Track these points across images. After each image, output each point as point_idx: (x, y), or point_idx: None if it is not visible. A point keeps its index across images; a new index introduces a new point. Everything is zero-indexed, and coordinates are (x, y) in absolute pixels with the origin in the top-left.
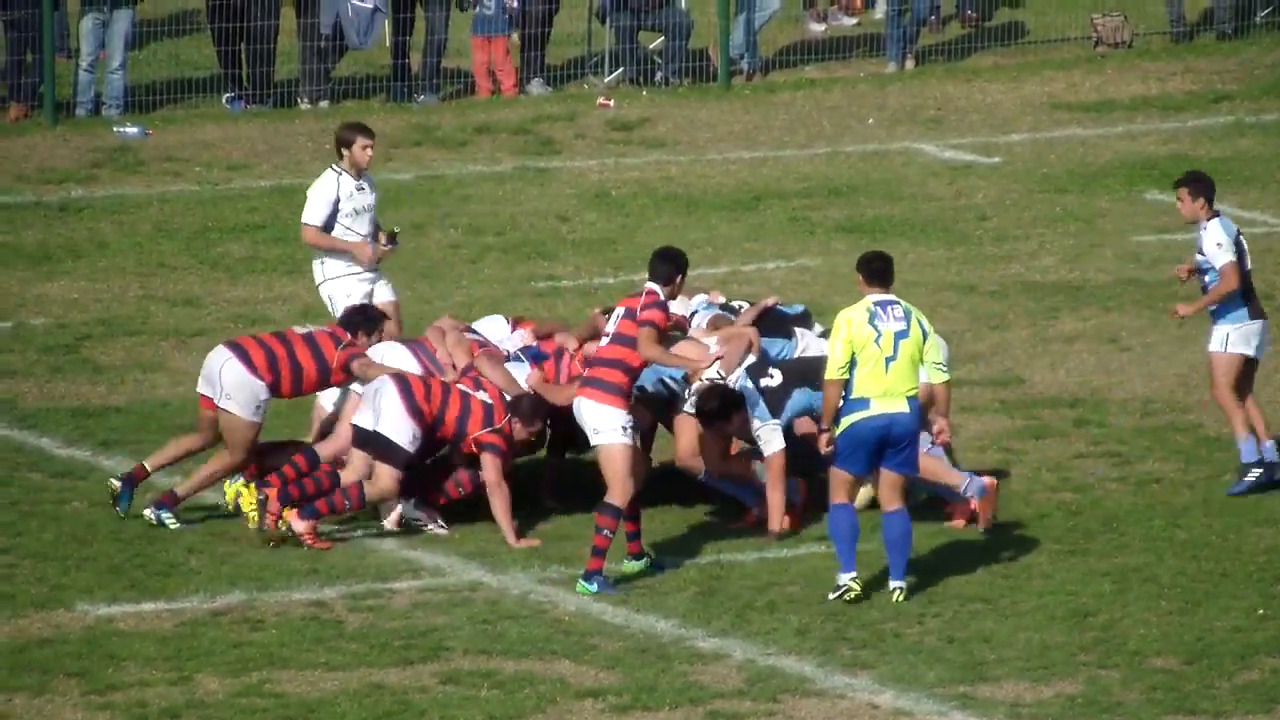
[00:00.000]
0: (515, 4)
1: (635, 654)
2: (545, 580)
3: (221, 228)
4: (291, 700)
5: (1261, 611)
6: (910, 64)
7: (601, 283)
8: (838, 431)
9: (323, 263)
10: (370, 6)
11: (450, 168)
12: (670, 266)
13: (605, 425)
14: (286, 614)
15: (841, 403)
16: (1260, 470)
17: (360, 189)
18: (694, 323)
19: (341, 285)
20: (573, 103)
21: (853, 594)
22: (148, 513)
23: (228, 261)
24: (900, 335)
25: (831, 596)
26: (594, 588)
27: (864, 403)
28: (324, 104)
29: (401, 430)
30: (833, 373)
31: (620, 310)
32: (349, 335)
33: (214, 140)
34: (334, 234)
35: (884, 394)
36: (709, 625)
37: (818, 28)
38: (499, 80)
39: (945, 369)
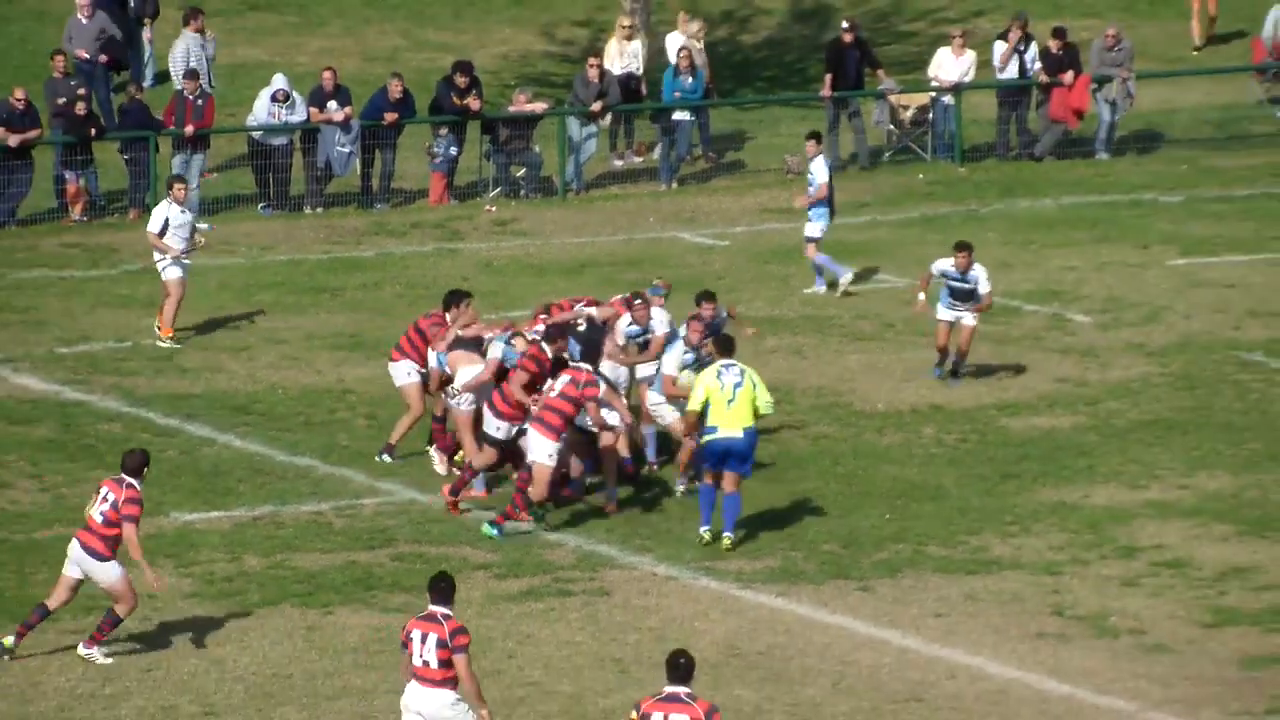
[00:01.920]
0: (454, 152)
1: (509, 543)
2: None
3: (259, 284)
4: (301, 571)
5: (888, 515)
6: (675, 184)
7: (489, 316)
8: (701, 443)
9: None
10: (348, 151)
11: (396, 248)
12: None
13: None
14: (298, 519)
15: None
16: None
17: (182, 213)
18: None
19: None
20: (471, 209)
21: (705, 540)
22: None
23: (263, 304)
24: (737, 386)
25: (698, 539)
26: (495, 532)
27: (714, 429)
28: (319, 209)
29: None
30: (694, 406)
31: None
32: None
33: (252, 231)
34: (165, 239)
35: (725, 424)
36: (553, 526)
37: (618, 163)
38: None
39: (770, 405)
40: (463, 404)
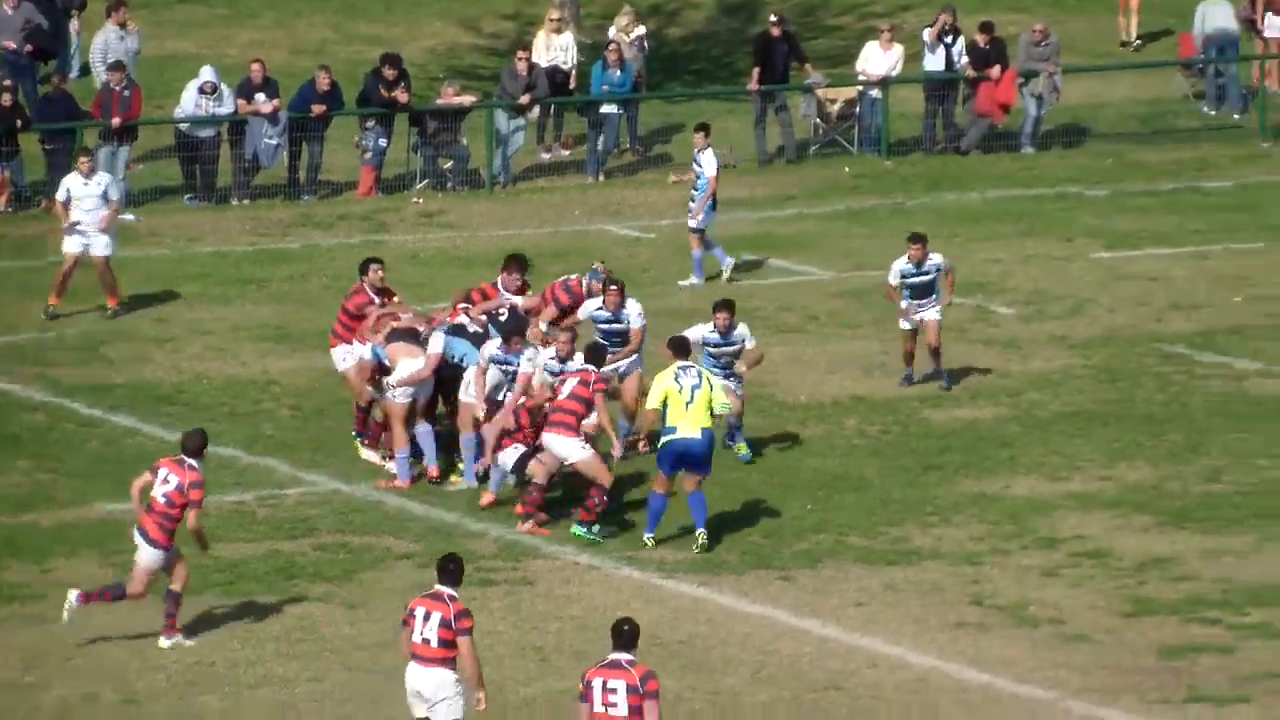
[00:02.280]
0: (382, 145)
1: (432, 533)
2: (377, 489)
3: (185, 275)
4: (224, 560)
5: (810, 506)
6: (602, 177)
7: (415, 308)
8: (656, 447)
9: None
10: (276, 143)
11: (324, 240)
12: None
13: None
14: (221, 508)
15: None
16: None
17: (85, 185)
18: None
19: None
20: (398, 201)
21: (650, 545)
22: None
23: (188, 295)
24: (695, 388)
25: (645, 542)
26: (583, 531)
27: (673, 430)
28: (246, 201)
29: None
30: (653, 404)
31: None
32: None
33: (179, 223)
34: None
35: (684, 426)
36: (476, 515)
37: (545, 155)
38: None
39: (725, 405)
40: (398, 396)
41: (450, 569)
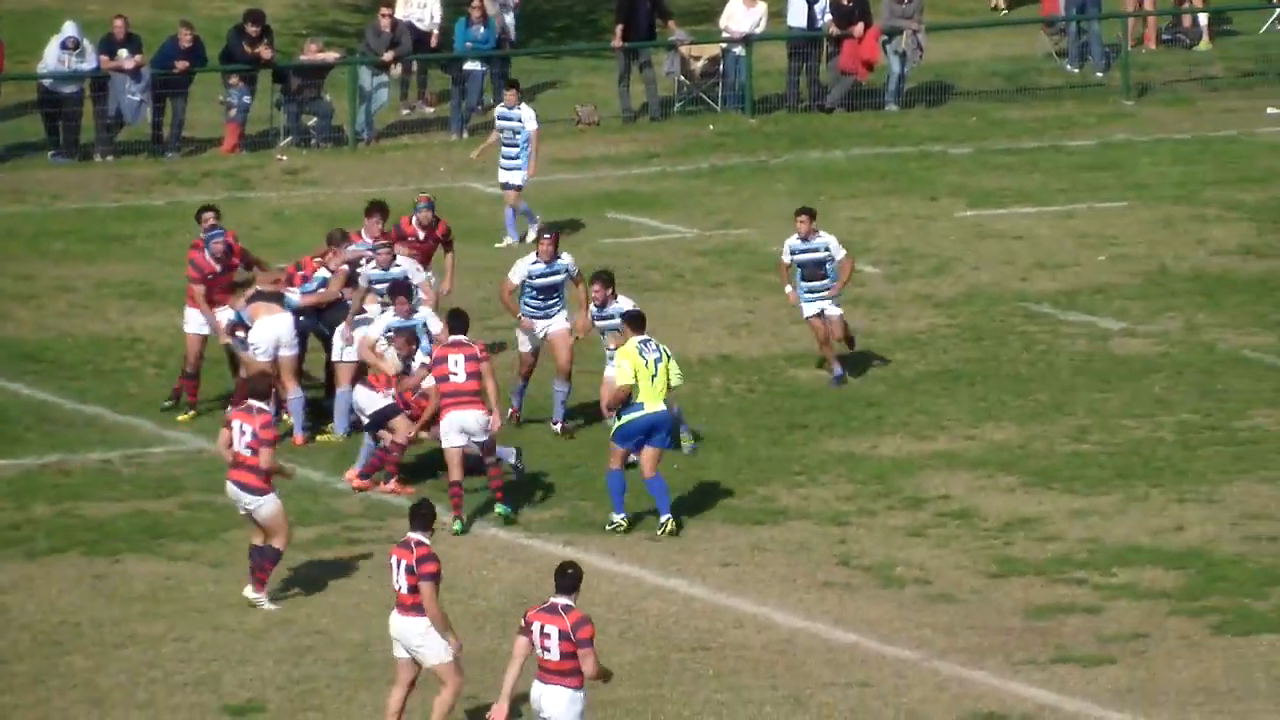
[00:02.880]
0: (246, 101)
1: (298, 491)
2: None
3: (48, 232)
4: (89, 519)
5: (675, 465)
6: (466, 134)
7: (279, 266)
8: (619, 423)
9: None
10: (139, 99)
11: (188, 198)
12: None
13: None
14: (86, 467)
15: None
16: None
17: None
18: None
19: None
20: (262, 158)
21: (621, 529)
22: None
23: (51, 253)
24: (658, 361)
25: (608, 528)
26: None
27: (640, 405)
28: (110, 158)
29: None
30: (624, 380)
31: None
32: None
33: (43, 179)
34: None
35: (650, 400)
36: (342, 475)
37: (406, 111)
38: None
39: (680, 377)
40: (258, 354)
41: (421, 513)
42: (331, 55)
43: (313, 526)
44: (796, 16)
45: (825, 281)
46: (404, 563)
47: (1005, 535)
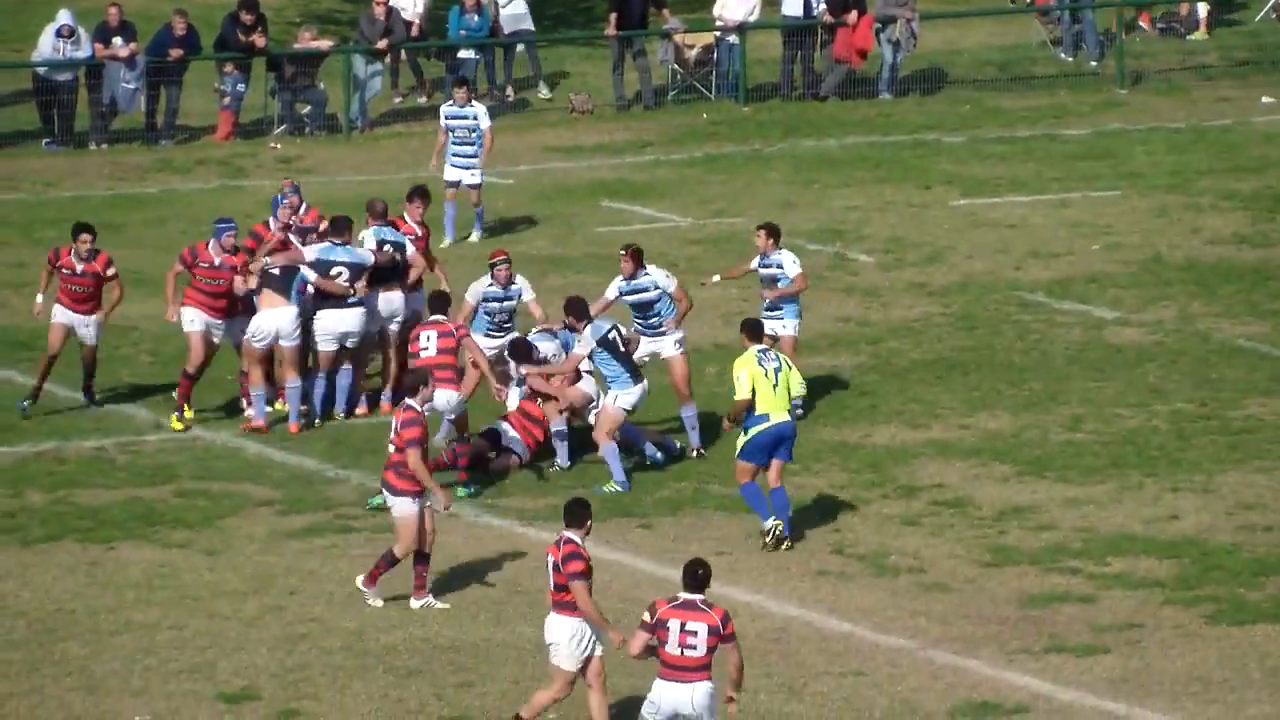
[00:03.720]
0: (240, 89)
1: (293, 479)
2: (238, 435)
3: (42, 220)
4: (84, 506)
5: None
6: None
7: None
8: (745, 438)
9: None
10: (134, 87)
11: (182, 185)
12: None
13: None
14: (80, 455)
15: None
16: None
17: None
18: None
19: None
20: (256, 146)
21: (778, 531)
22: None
23: (45, 241)
24: (778, 370)
25: (765, 535)
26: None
27: (765, 417)
28: (104, 145)
29: None
30: (743, 395)
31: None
32: None
33: (37, 167)
34: None
35: (775, 410)
36: (335, 462)
37: (399, 100)
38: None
39: (803, 386)
40: (255, 342)
41: (569, 507)
42: (326, 43)
43: (306, 514)
44: (791, 5)
45: (784, 307)
46: (550, 559)
47: (999, 524)
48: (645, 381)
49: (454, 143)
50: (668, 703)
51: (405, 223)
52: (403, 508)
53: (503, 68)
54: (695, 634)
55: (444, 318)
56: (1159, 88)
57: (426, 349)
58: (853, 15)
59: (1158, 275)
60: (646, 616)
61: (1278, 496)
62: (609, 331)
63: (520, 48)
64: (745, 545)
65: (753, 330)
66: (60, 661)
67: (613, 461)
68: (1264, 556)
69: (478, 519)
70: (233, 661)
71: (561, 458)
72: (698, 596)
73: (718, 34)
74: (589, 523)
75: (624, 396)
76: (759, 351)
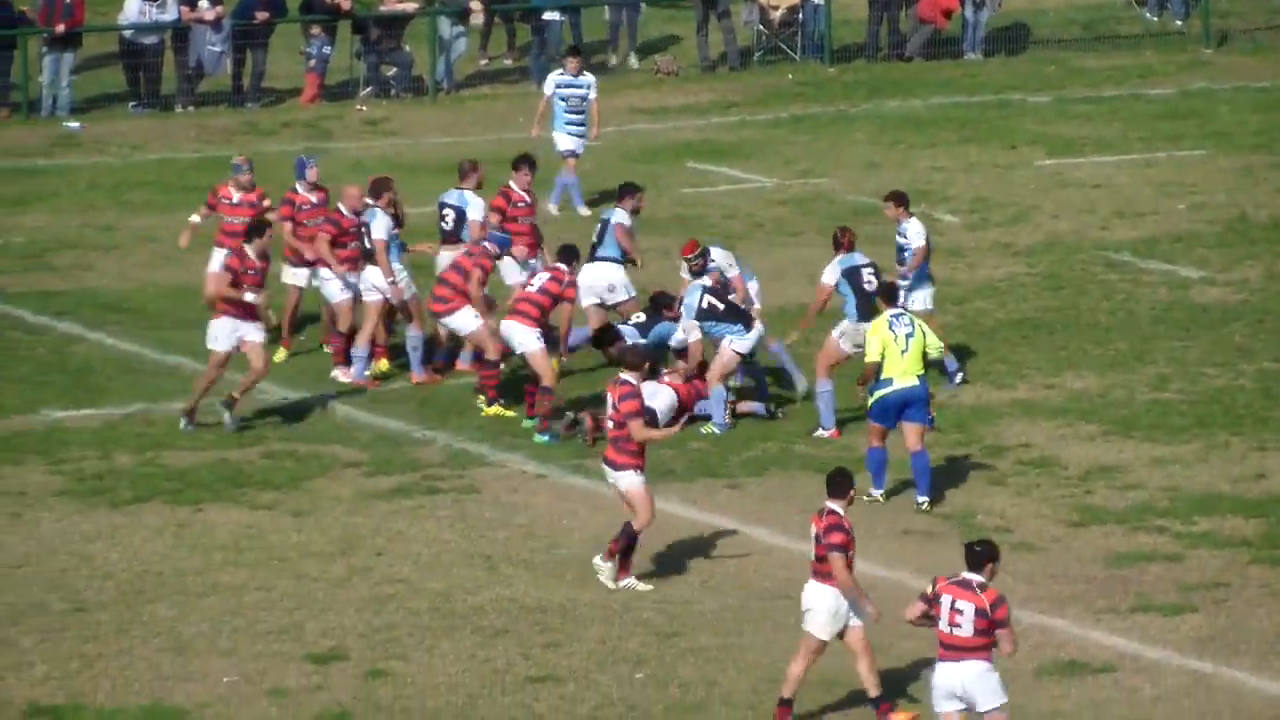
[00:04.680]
0: (326, 52)
1: (379, 440)
2: (326, 397)
3: (130, 183)
4: (172, 468)
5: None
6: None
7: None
8: (871, 400)
9: None
10: (220, 50)
11: (267, 148)
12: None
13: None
14: (169, 417)
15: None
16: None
17: None
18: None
19: None
20: (341, 108)
21: (881, 500)
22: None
23: (133, 203)
24: (909, 336)
25: (868, 500)
26: (546, 439)
27: (889, 381)
28: (190, 108)
29: None
30: (873, 357)
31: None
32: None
33: (124, 130)
34: None
35: (901, 374)
36: (422, 423)
37: (483, 62)
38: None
39: (939, 349)
40: (372, 294)
41: (830, 477)
42: (411, 5)
43: (393, 475)
44: None
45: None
46: (812, 528)
47: (1085, 484)
48: (759, 325)
49: (567, 111)
50: (941, 682)
51: (513, 190)
52: (630, 481)
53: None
54: (962, 613)
55: (564, 267)
56: (1244, 47)
57: (530, 285)
58: None
59: (1243, 235)
60: (928, 588)
61: None
62: (701, 300)
63: (607, 12)
64: None
65: (888, 294)
66: (149, 622)
67: (716, 405)
68: None
69: (564, 478)
70: (320, 622)
71: (719, 417)
72: (975, 576)
73: None
74: (851, 493)
75: (739, 342)
76: (891, 316)
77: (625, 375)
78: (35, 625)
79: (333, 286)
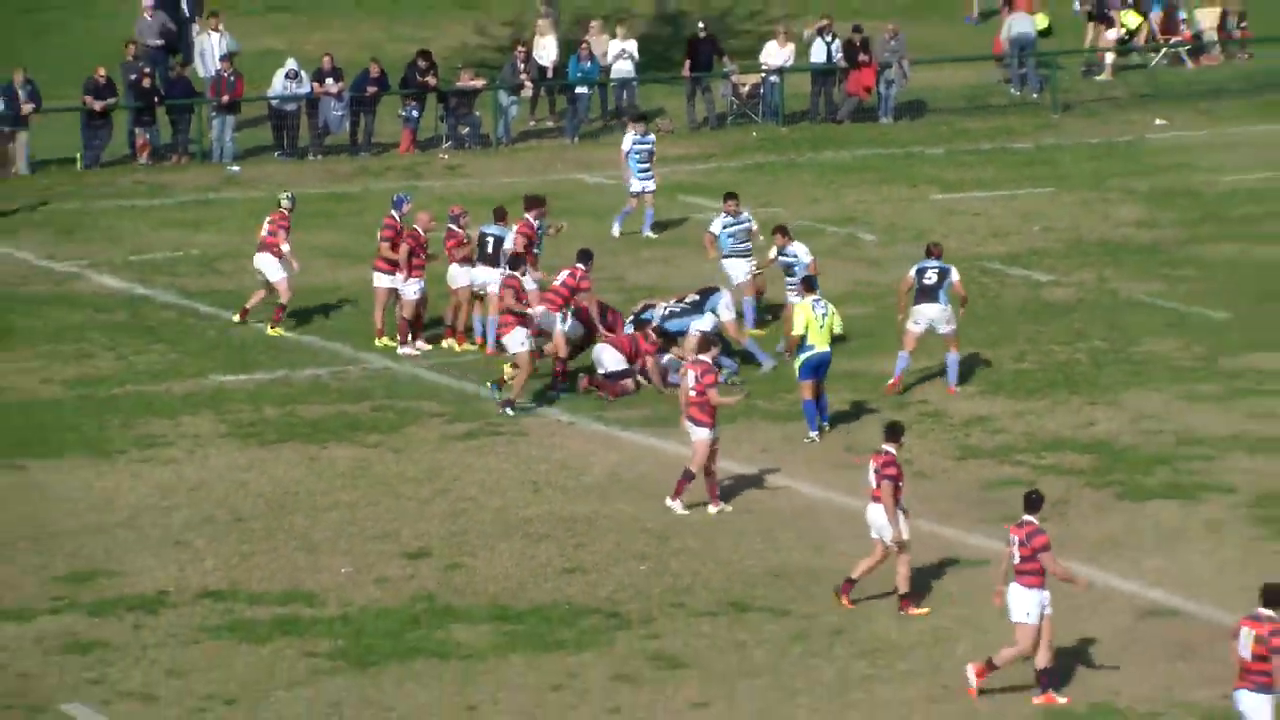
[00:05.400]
0: (416, 115)
1: (456, 398)
2: (419, 367)
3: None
4: (305, 418)
5: (732, 380)
6: (577, 140)
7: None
8: (797, 363)
9: None
10: (341, 114)
11: (375, 185)
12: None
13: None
14: (303, 380)
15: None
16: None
17: None
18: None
19: None
20: (429, 157)
21: (817, 440)
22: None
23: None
24: (825, 315)
25: (805, 441)
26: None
27: (811, 347)
28: (320, 157)
29: None
30: (798, 330)
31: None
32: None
33: (270, 173)
34: None
35: (820, 343)
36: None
37: (532, 123)
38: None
39: (841, 326)
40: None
41: (888, 426)
42: (479, 82)
43: (465, 423)
44: (817, 53)
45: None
46: (873, 465)
47: (965, 429)
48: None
49: (638, 162)
50: (1008, 598)
51: (525, 223)
52: (700, 434)
53: (613, 99)
54: (1012, 544)
55: (581, 266)
56: (1081, 113)
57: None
58: (862, 60)
59: (1080, 250)
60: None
61: (1166, 408)
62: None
63: (617, 86)
64: (783, 446)
65: (810, 285)
66: (288, 529)
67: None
68: (1156, 452)
69: (588, 425)
70: (412, 529)
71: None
72: (1029, 517)
73: (764, 74)
74: (902, 438)
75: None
76: (813, 300)
77: (700, 356)
78: (205, 531)
79: (411, 288)
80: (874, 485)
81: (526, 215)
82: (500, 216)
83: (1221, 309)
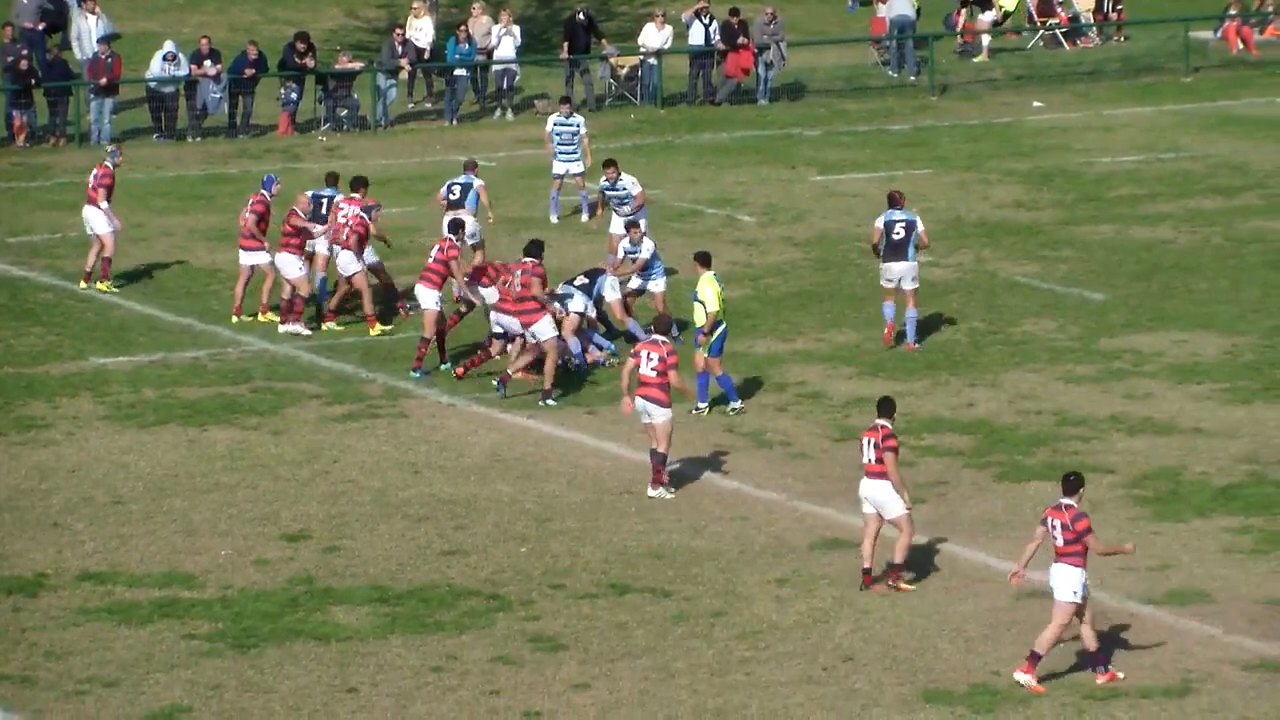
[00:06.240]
0: (294, 97)
1: (335, 379)
2: (299, 349)
3: (154, 193)
4: (184, 399)
5: (610, 365)
6: (455, 122)
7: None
8: (712, 339)
9: None
10: (219, 96)
11: (253, 167)
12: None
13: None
14: (182, 362)
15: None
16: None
17: None
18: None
19: None
20: (308, 139)
21: (743, 412)
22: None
23: (155, 208)
24: (722, 288)
25: (730, 411)
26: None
27: (722, 323)
28: (198, 139)
29: None
30: (716, 306)
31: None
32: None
33: (149, 155)
34: None
35: (722, 317)
36: (367, 366)
37: (410, 105)
38: (284, 128)
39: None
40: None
41: (881, 403)
42: (357, 64)
43: (345, 404)
44: (695, 35)
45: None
46: (872, 440)
47: (845, 410)
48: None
49: (559, 144)
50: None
51: (355, 199)
52: (663, 415)
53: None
54: (1055, 528)
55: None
56: (958, 95)
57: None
58: (739, 42)
59: (959, 231)
60: (1041, 526)
61: (1044, 389)
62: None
63: (499, 69)
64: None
65: (705, 259)
66: (168, 511)
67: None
68: (1035, 432)
69: (468, 406)
70: (292, 511)
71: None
72: (1065, 500)
73: (642, 56)
74: (895, 414)
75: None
76: (714, 275)
77: (660, 337)
78: (85, 514)
79: (293, 266)
80: (872, 460)
81: (355, 195)
82: (470, 167)
83: (1099, 290)
